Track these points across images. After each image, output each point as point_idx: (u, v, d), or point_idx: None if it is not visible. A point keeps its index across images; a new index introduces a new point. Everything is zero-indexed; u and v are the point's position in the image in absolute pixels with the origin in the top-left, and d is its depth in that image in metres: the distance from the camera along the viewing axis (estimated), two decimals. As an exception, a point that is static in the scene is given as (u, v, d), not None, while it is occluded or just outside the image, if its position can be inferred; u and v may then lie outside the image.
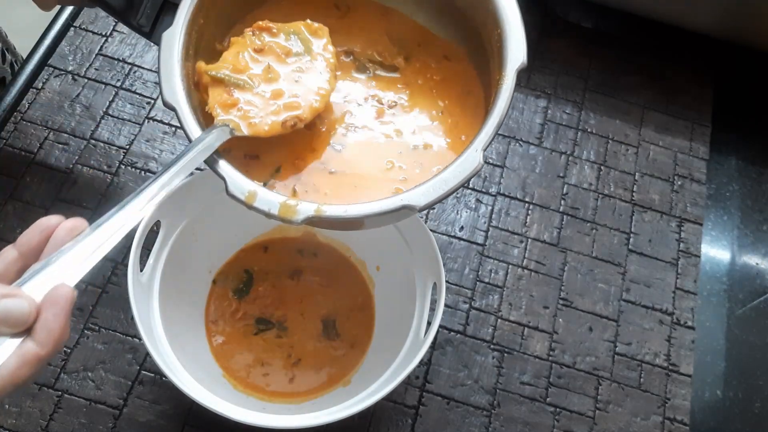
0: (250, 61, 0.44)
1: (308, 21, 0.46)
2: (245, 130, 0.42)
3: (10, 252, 0.34)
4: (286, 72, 0.45)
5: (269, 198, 0.40)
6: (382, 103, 0.49)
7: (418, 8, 0.51)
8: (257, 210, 0.40)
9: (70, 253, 0.33)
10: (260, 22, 0.46)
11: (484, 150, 0.41)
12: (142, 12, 0.49)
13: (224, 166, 0.41)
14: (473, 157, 0.41)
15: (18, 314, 0.30)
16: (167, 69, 0.43)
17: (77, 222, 0.34)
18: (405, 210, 0.40)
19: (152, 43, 0.51)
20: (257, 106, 0.43)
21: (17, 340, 0.31)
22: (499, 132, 0.69)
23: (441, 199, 0.40)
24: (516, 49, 0.44)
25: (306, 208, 0.39)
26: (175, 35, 0.44)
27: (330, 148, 0.47)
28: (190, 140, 0.41)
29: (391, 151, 0.47)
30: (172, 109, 0.42)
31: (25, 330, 0.31)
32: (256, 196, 0.40)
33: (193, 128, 0.42)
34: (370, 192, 0.45)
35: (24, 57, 0.68)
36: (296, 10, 0.50)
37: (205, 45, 0.47)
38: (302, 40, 0.46)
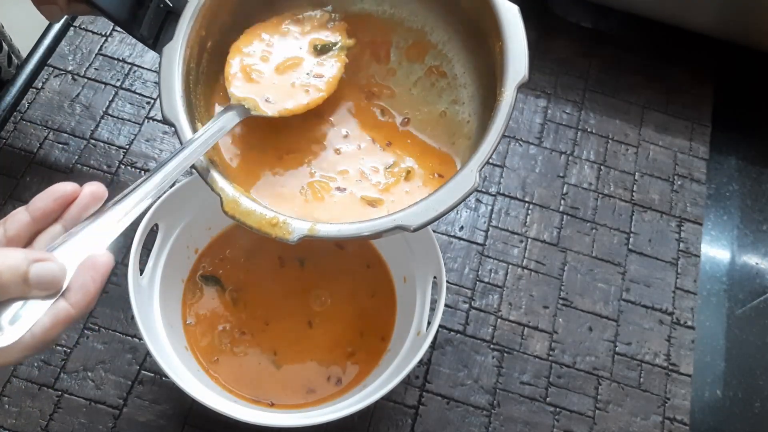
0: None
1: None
2: (266, 109, 0.43)
3: (23, 215, 0.34)
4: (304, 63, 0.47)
5: (263, 215, 0.40)
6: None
7: (424, 9, 0.50)
8: (251, 228, 0.40)
9: (98, 221, 0.34)
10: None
11: (480, 170, 0.40)
12: (146, 23, 0.49)
13: (220, 180, 0.41)
14: (469, 178, 0.40)
15: (52, 278, 0.32)
16: (167, 84, 0.43)
17: (97, 188, 0.35)
18: (398, 230, 0.40)
19: (157, 53, 0.51)
20: (274, 87, 0.44)
21: (48, 302, 0.32)
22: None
23: (435, 220, 0.40)
24: (517, 64, 0.42)
25: (300, 227, 0.39)
26: (176, 49, 0.44)
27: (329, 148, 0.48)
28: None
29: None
30: (171, 125, 0.42)
31: (55, 293, 0.32)
32: (251, 214, 0.40)
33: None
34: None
35: (24, 57, 0.68)
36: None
37: (207, 57, 0.47)
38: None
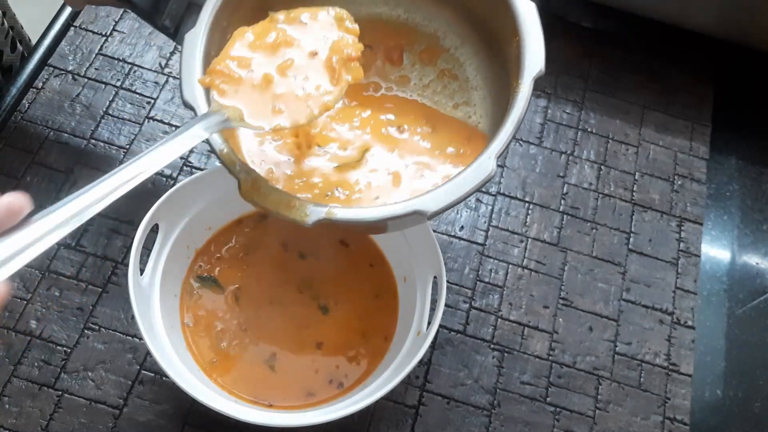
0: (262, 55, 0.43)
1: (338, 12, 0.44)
2: (250, 120, 0.40)
3: None
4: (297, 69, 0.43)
5: (280, 198, 0.40)
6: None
7: (438, 13, 0.51)
8: (269, 211, 0.40)
9: (6, 241, 0.28)
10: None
11: (498, 157, 0.41)
12: (167, 13, 0.50)
13: (238, 163, 0.41)
14: (486, 164, 0.41)
15: None
16: (188, 69, 0.44)
17: (14, 199, 0.30)
18: (416, 215, 0.40)
19: (177, 44, 0.51)
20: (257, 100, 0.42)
21: None
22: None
23: (453, 205, 0.40)
24: (534, 57, 0.43)
25: (317, 210, 0.39)
26: (197, 36, 0.44)
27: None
28: (209, 144, 0.42)
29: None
30: (191, 108, 0.43)
31: None
32: (268, 197, 0.40)
33: None
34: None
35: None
36: None
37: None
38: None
